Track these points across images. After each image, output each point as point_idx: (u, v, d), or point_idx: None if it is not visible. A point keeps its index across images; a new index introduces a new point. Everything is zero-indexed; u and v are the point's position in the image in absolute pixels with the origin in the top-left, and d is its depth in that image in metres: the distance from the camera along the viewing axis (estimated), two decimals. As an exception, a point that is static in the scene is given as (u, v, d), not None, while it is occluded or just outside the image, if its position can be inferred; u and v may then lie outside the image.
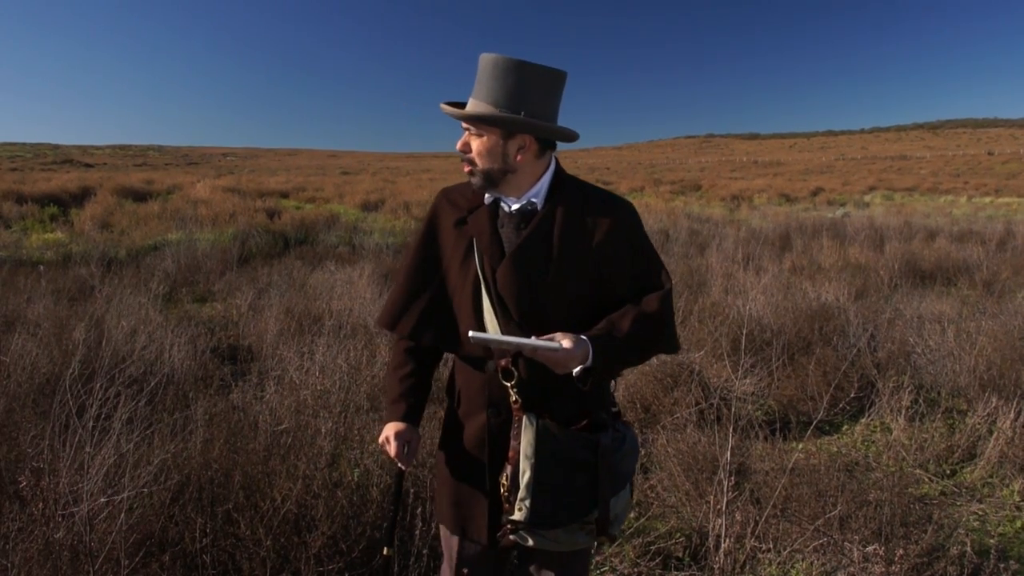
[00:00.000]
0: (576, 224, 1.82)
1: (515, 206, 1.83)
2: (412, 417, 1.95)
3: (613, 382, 1.96)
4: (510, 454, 1.75)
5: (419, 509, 2.80)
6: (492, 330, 1.79)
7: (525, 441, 1.72)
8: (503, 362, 1.78)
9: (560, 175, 1.86)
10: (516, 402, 1.76)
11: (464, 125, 1.80)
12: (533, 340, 1.64)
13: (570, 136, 1.84)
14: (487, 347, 1.79)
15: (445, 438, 2.02)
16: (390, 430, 1.91)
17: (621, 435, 1.85)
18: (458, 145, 1.81)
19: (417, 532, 2.80)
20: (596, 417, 1.84)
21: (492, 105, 1.73)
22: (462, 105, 1.79)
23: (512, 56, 1.73)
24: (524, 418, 1.74)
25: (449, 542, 2.02)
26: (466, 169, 1.82)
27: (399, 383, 1.98)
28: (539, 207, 1.83)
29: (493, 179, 1.80)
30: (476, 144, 1.78)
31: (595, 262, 1.81)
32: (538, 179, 1.83)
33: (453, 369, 2.02)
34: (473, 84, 1.78)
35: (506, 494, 1.75)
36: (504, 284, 1.79)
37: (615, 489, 1.82)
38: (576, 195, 1.85)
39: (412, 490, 2.99)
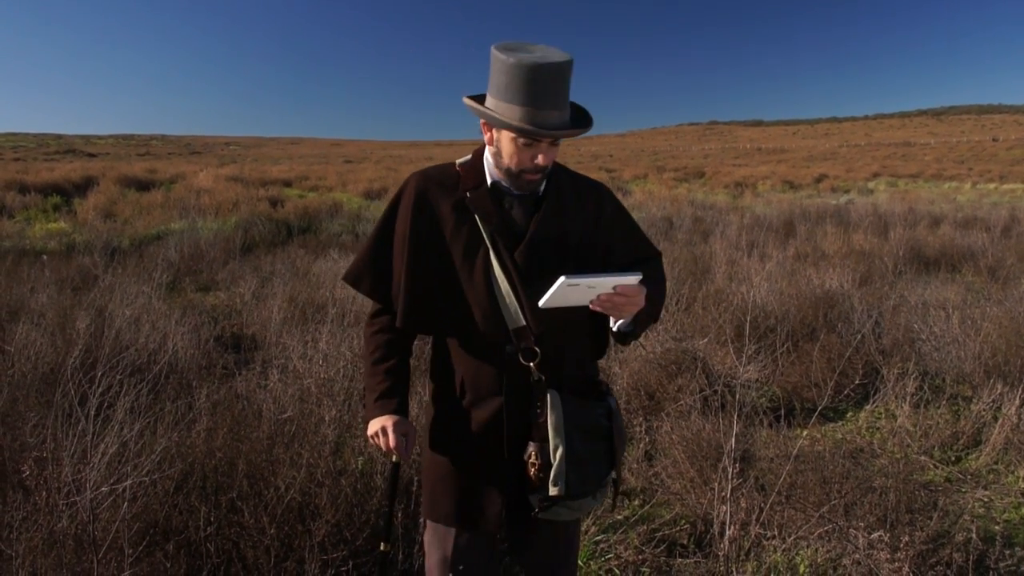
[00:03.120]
0: (576, 203, 1.89)
1: (523, 191, 1.84)
2: (404, 411, 1.91)
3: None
4: (536, 432, 1.79)
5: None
6: (513, 310, 1.79)
7: (554, 416, 1.76)
8: (524, 344, 1.79)
9: None
10: (539, 380, 1.79)
11: (551, 140, 1.73)
12: (617, 275, 1.66)
13: None
14: (503, 330, 1.80)
15: (440, 432, 1.95)
16: (386, 422, 1.85)
17: (615, 399, 1.95)
18: (546, 162, 1.74)
19: (422, 521, 2.79)
20: (600, 385, 1.95)
21: (566, 111, 1.73)
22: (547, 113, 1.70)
23: (507, 42, 1.72)
24: (548, 395, 1.78)
25: (444, 539, 1.96)
26: (537, 178, 1.79)
27: (386, 376, 1.91)
28: (540, 190, 1.86)
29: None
30: (556, 153, 1.78)
31: (599, 238, 1.91)
32: None
33: (439, 360, 1.96)
34: (494, 81, 1.71)
35: (537, 472, 1.77)
36: (528, 264, 1.79)
37: (623, 449, 1.95)
38: (566, 178, 1.93)
39: (417, 479, 2.99)
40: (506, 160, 1.77)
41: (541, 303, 1.66)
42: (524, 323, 1.79)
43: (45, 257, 8.98)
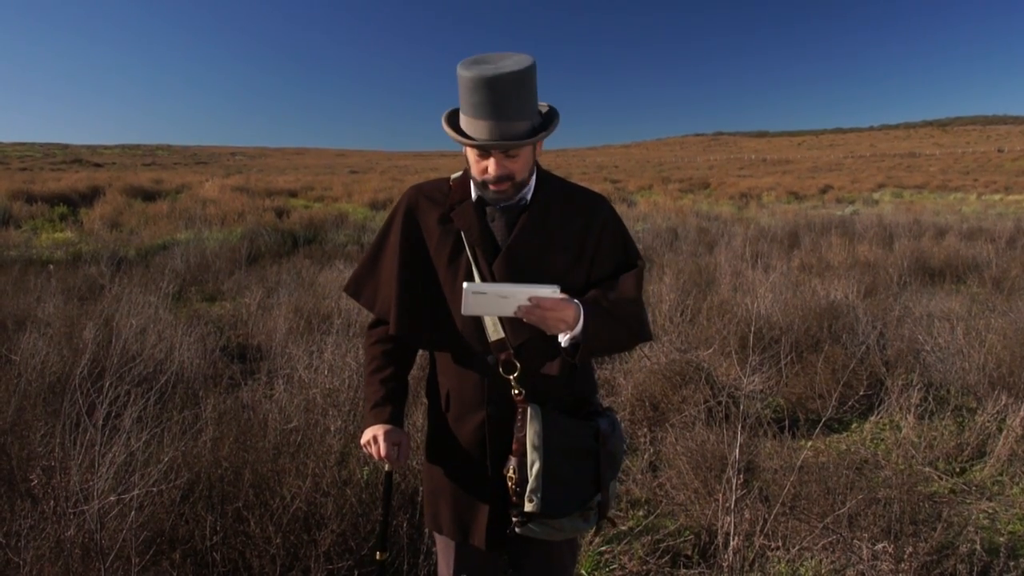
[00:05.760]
0: (564, 216, 1.87)
1: (508, 202, 1.83)
2: (398, 420, 1.92)
3: (596, 370, 1.98)
4: (514, 446, 1.77)
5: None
6: (491, 324, 1.80)
7: (532, 432, 1.74)
8: (503, 356, 1.79)
9: (540, 170, 1.89)
10: (519, 394, 1.78)
11: (500, 150, 1.71)
12: (530, 286, 1.65)
13: None
14: (483, 342, 1.81)
15: (434, 444, 1.99)
16: (378, 431, 1.86)
17: (612, 420, 1.90)
18: (496, 172, 1.72)
19: (426, 530, 2.81)
20: (592, 404, 1.91)
21: (527, 119, 1.71)
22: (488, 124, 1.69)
23: (482, 54, 1.72)
24: (528, 409, 1.76)
25: (447, 548, 2.00)
26: (502, 188, 1.75)
27: (381, 386, 1.94)
28: (527, 202, 1.85)
29: (522, 188, 1.81)
30: (517, 164, 1.75)
31: (585, 251, 1.87)
32: (531, 176, 1.85)
33: (432, 373, 2.00)
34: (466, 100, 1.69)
35: (514, 487, 1.75)
36: (506, 276, 1.79)
37: (613, 473, 1.89)
38: (558, 189, 1.90)
39: (422, 488, 3.00)
40: (472, 171, 1.79)
41: (462, 310, 1.67)
42: (503, 335, 1.79)
43: (51, 267, 9.01)
